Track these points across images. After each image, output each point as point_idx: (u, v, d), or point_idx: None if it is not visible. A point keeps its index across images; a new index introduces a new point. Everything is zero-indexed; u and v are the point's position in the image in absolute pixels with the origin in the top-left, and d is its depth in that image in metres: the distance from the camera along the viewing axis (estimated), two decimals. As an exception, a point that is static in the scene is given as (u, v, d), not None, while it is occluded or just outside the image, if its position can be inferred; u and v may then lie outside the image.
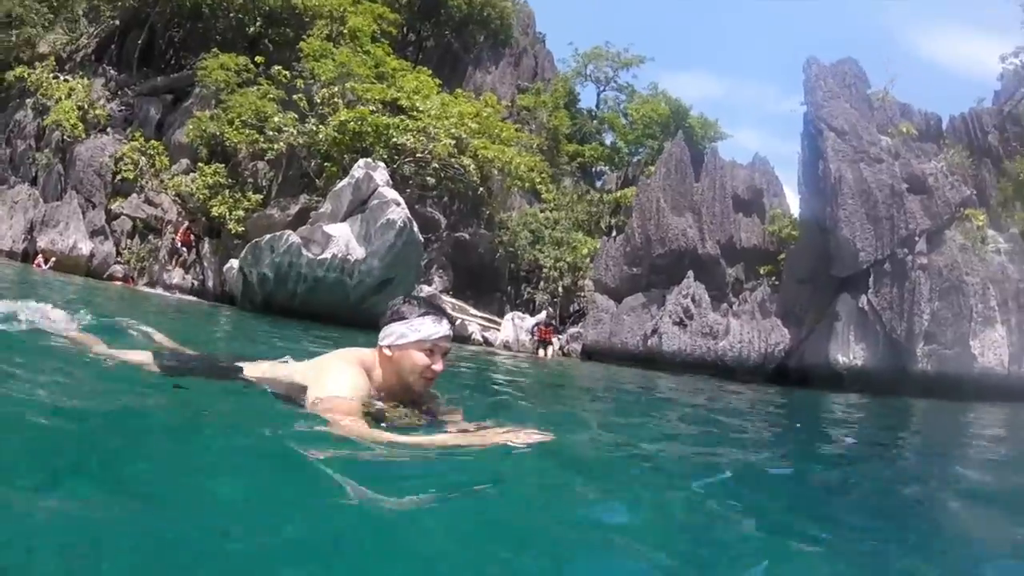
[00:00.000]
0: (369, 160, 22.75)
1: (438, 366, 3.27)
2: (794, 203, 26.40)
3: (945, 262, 21.02)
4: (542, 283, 29.14)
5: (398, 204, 20.43)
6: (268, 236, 22.07)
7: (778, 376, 22.19)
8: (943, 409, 15.08)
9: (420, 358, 3.22)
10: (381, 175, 22.06)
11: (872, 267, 20.94)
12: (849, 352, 20.72)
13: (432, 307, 3.32)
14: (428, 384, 3.34)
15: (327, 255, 20.90)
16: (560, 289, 29.02)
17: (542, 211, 30.56)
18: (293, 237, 21.39)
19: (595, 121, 40.53)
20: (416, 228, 20.95)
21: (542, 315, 25.65)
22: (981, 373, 20.35)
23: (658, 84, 38.29)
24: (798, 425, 9.40)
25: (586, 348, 25.02)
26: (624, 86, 42.13)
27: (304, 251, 21.11)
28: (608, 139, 39.90)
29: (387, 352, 3.25)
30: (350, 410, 2.94)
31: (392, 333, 3.23)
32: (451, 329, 3.33)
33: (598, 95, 43.61)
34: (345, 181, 22.05)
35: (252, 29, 31.84)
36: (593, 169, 38.15)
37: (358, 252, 20.80)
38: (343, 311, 21.08)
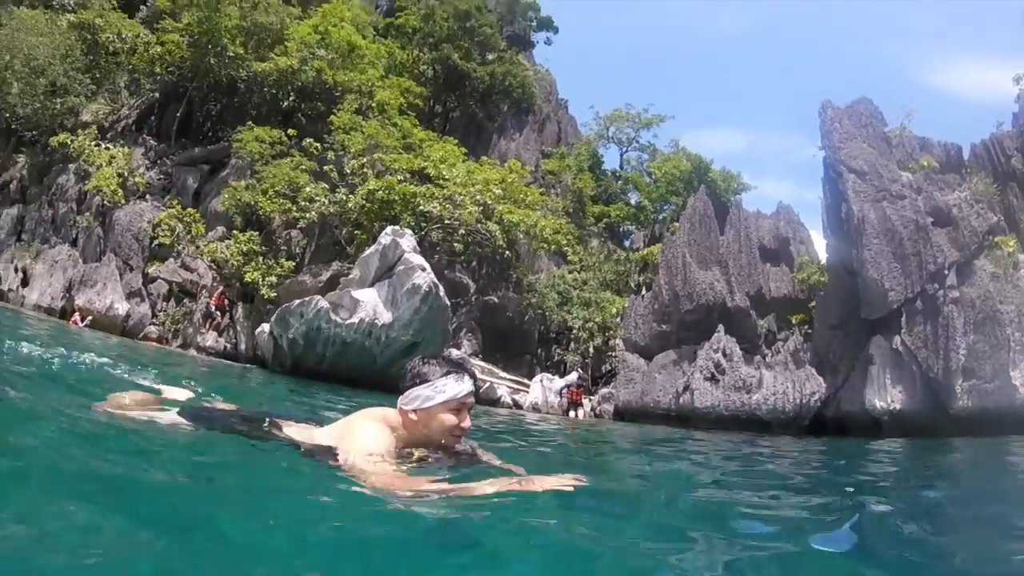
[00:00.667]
0: (396, 227, 23.25)
1: (467, 423, 3.29)
2: (821, 249, 26.21)
3: (977, 293, 20.41)
4: (572, 344, 29.06)
5: (424, 269, 20.75)
6: (298, 301, 22.54)
7: (815, 427, 21.68)
8: (984, 445, 14.54)
9: (448, 419, 3.23)
10: (408, 242, 22.48)
11: (903, 306, 20.55)
12: (886, 396, 20.16)
13: (453, 365, 3.32)
14: (458, 440, 3.36)
15: (355, 319, 21.22)
16: (591, 350, 28.89)
17: (570, 272, 30.72)
18: (322, 302, 21.80)
19: (619, 182, 41.04)
20: (442, 292, 21.20)
21: (572, 376, 25.49)
22: (1022, 405, 19.48)
23: (679, 141, 38.77)
24: (839, 472, 9.12)
25: (618, 408, 24.76)
26: (646, 146, 42.82)
27: (332, 315, 21.47)
28: (633, 198, 40.31)
29: (412, 416, 3.24)
30: (380, 463, 2.95)
31: (417, 397, 3.22)
32: (474, 384, 3.36)
33: (621, 156, 44.32)
34: (373, 248, 22.54)
35: (286, 104, 33.25)
36: (620, 229, 38.35)
37: (385, 317, 21.08)
38: (370, 375, 21.28)
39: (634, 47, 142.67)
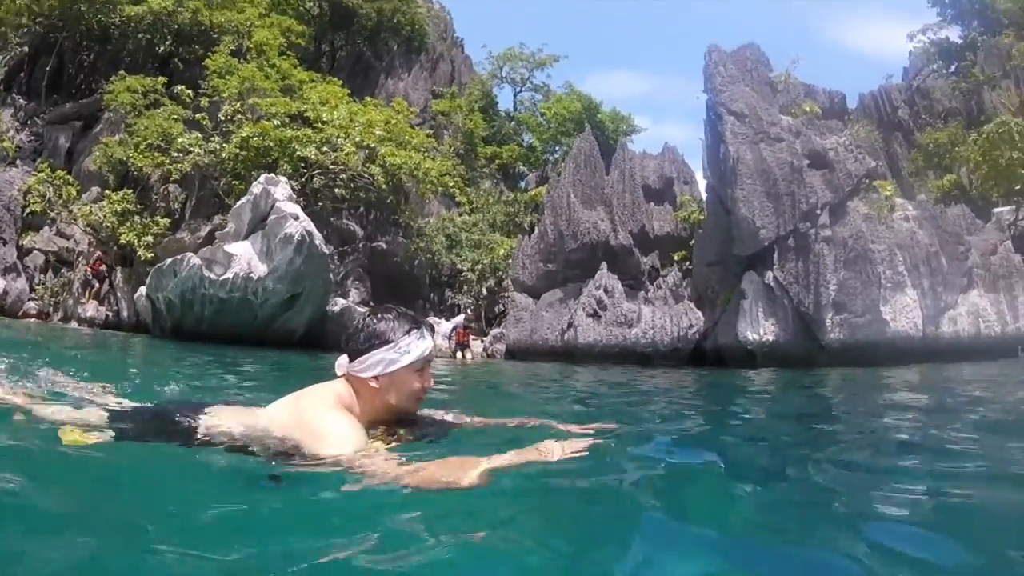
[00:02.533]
0: (270, 175, 22.41)
1: (430, 382, 3.02)
2: (704, 189, 26.73)
3: (849, 232, 21.34)
4: (464, 287, 28.98)
5: (296, 218, 20.11)
6: (170, 260, 21.65)
7: (696, 359, 22.40)
8: (845, 377, 15.25)
9: (414, 380, 2.94)
10: (282, 190, 21.71)
11: (776, 243, 21.23)
12: (759, 329, 20.94)
13: (412, 320, 2.98)
14: (419, 404, 3.08)
15: (229, 275, 20.51)
16: (483, 292, 28.88)
17: (460, 215, 30.43)
18: (194, 259, 20.97)
19: (512, 123, 40.60)
20: (319, 240, 20.64)
21: (459, 318, 25.45)
22: (895, 338, 20.72)
23: (572, 83, 38.53)
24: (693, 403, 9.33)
25: (509, 348, 24.91)
26: (540, 86, 42.40)
27: (206, 272, 20.70)
28: (527, 140, 39.97)
29: (373, 384, 2.89)
30: (375, 460, 2.49)
31: (379, 361, 2.87)
32: (432, 337, 3.03)
33: (515, 97, 43.84)
34: (245, 199, 21.72)
35: (162, 49, 31.32)
36: (513, 171, 38.11)
37: (260, 270, 20.43)
38: (253, 331, 20.78)
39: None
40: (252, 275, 20.36)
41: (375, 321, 2.94)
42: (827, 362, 20.05)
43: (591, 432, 3.00)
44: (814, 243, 20.94)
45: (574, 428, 3.15)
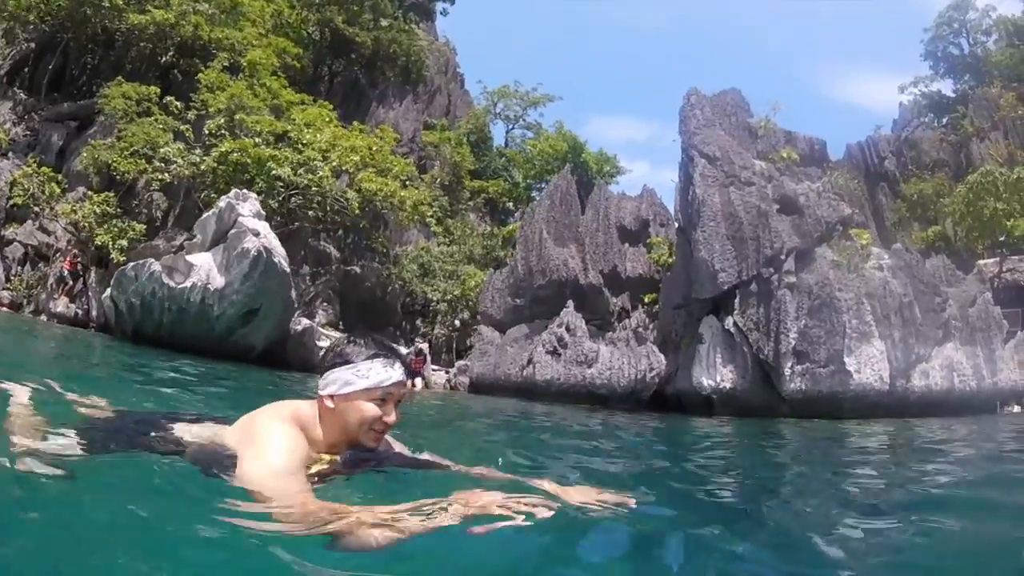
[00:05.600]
0: (240, 191, 22.40)
1: (391, 417, 2.79)
2: (681, 233, 26.66)
3: (815, 280, 21.05)
4: (439, 317, 28.81)
5: (257, 235, 20.03)
6: (132, 264, 21.65)
7: (657, 403, 22.07)
8: (803, 431, 14.96)
9: (369, 409, 2.74)
10: (249, 206, 21.67)
11: (737, 288, 21.05)
12: (716, 375, 20.67)
13: (383, 348, 2.84)
14: (379, 438, 2.85)
15: (188, 284, 20.42)
16: (457, 323, 28.71)
17: (438, 246, 30.40)
18: (155, 265, 20.91)
19: (502, 159, 40.80)
20: (278, 258, 20.50)
21: (421, 345, 25.22)
22: (859, 390, 20.23)
23: (563, 123, 38.75)
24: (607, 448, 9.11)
25: (473, 381, 24.66)
26: (532, 125, 42.69)
27: (166, 279, 20.62)
28: (515, 177, 40.19)
29: (329, 404, 2.75)
30: (288, 485, 2.36)
31: (335, 380, 2.75)
32: (404, 374, 2.84)
33: (506, 133, 44.14)
34: (211, 211, 21.73)
35: (164, 59, 31.78)
36: (500, 206, 38.16)
37: (218, 282, 20.33)
38: (210, 342, 20.57)
39: (548, 27, 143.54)
40: (210, 286, 20.26)
41: (345, 343, 2.86)
42: (788, 413, 19.71)
43: (596, 503, 2.64)
44: (777, 289, 20.74)
45: (573, 493, 2.69)
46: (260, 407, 2.87)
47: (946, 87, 41.47)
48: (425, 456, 3.19)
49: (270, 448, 2.52)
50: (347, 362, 2.74)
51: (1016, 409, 23.28)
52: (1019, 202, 29.00)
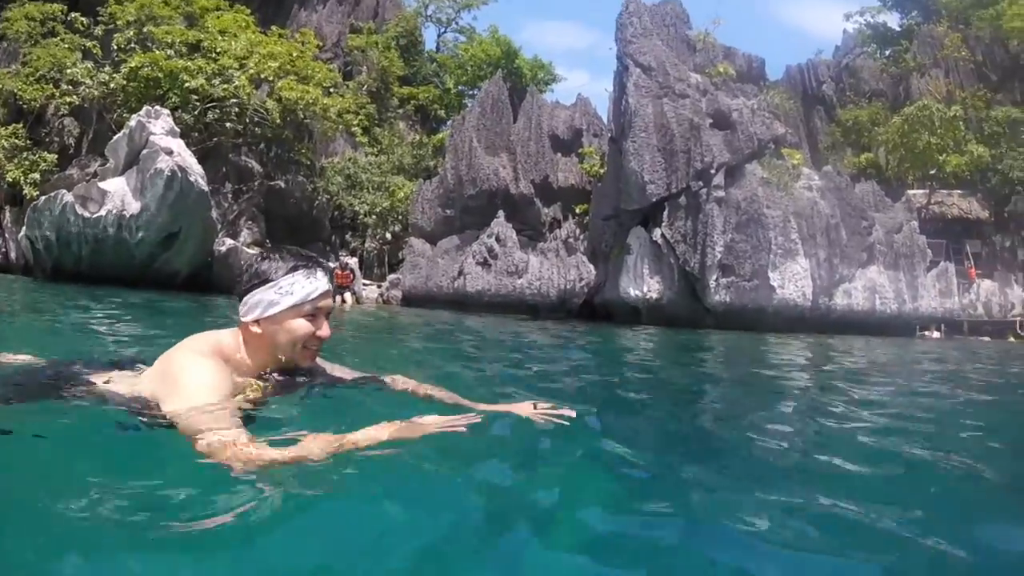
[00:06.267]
0: (152, 108, 21.25)
1: (324, 331, 2.56)
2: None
3: (744, 195, 21.10)
4: (369, 230, 28.32)
5: (170, 153, 19.12)
6: (44, 197, 20.68)
7: (586, 313, 22.33)
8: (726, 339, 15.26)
9: (300, 327, 2.50)
10: (162, 124, 20.58)
11: (667, 200, 21.06)
12: (643, 286, 20.89)
13: (301, 258, 2.57)
14: (314, 356, 2.64)
15: (103, 212, 19.58)
16: (389, 236, 28.30)
17: (366, 156, 29.57)
18: (67, 196, 19.94)
19: (433, 64, 39.42)
20: (194, 177, 19.67)
21: (345, 260, 24.73)
22: (781, 305, 20.65)
23: (497, 27, 37.30)
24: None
25: (404, 294, 24.57)
26: (465, 28, 41.19)
27: (80, 210, 19.72)
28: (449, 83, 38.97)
29: (255, 329, 2.50)
30: (215, 416, 2.17)
31: (258, 303, 2.48)
32: (330, 280, 2.58)
33: (438, 37, 42.56)
34: (120, 133, 20.64)
35: None
36: (432, 114, 37.08)
37: (134, 207, 19.51)
38: (132, 272, 20.02)
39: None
40: (125, 212, 19.42)
41: (260, 260, 2.56)
42: (712, 324, 20.10)
43: (553, 414, 2.74)
44: (705, 203, 20.78)
45: (523, 408, 2.82)
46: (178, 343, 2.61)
47: (892, 20, 41.23)
48: (358, 373, 3.01)
49: (191, 384, 2.31)
50: (266, 280, 2.50)
51: (936, 335, 24.30)
52: (952, 139, 29.51)
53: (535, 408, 2.76)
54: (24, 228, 21.07)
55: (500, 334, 12.80)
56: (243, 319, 2.54)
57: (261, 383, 2.56)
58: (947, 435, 4.37)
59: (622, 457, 2.96)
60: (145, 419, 2.33)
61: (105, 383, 2.65)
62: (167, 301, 14.41)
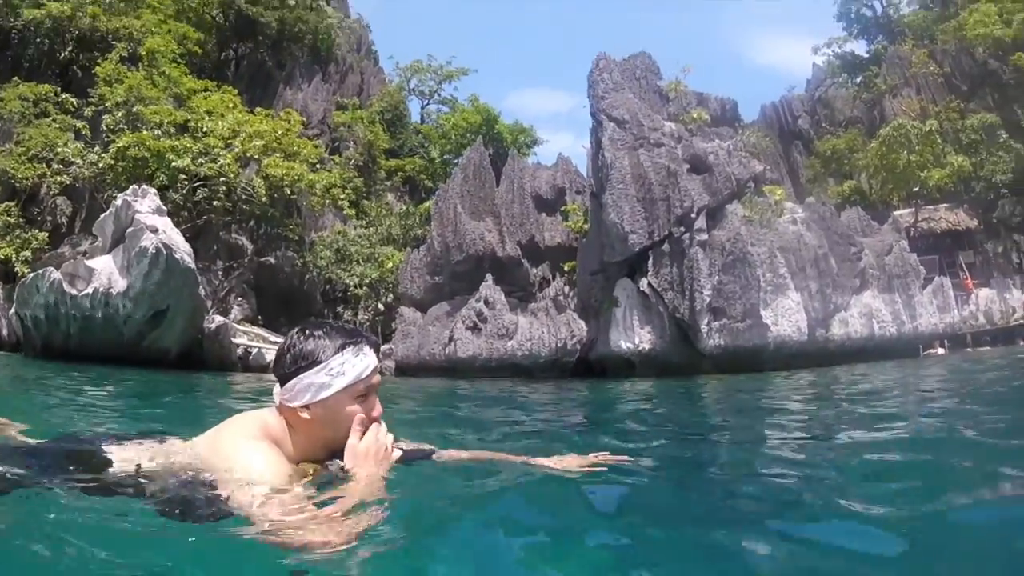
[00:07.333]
0: (139, 187, 21.54)
1: (377, 410, 2.41)
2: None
3: (727, 236, 21.15)
4: (361, 302, 28.32)
5: (155, 231, 19.27)
6: (33, 274, 20.77)
7: (580, 370, 22.11)
8: (721, 384, 15.09)
9: (353, 408, 2.35)
10: (148, 202, 20.83)
11: (651, 250, 21.12)
12: (633, 337, 20.79)
13: (346, 333, 2.41)
14: None
15: (90, 290, 19.65)
16: (381, 307, 28.26)
17: (355, 229, 29.81)
18: (55, 273, 20.03)
19: (418, 135, 40.13)
20: (180, 255, 19.77)
21: None
22: (777, 342, 20.50)
23: (477, 96, 38.18)
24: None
25: (398, 364, 24.36)
26: (448, 99, 42.11)
27: (67, 287, 19.79)
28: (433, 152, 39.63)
29: (304, 415, 2.34)
30: (289, 509, 2.03)
31: (308, 388, 2.31)
32: (378, 354, 2.46)
33: (422, 109, 43.50)
34: (108, 211, 20.89)
35: (63, 55, 30.51)
36: (420, 185, 37.56)
37: (120, 285, 19.57)
38: (121, 350, 19.94)
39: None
40: (112, 290, 19.48)
41: (302, 339, 2.37)
42: (710, 369, 19.89)
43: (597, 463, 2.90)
44: (689, 247, 20.85)
45: (571, 461, 2.89)
46: (218, 425, 2.46)
47: (859, 48, 42.49)
48: (412, 445, 2.82)
49: (253, 473, 2.15)
50: (315, 363, 2.32)
51: (940, 351, 24.04)
52: (932, 153, 29.85)
53: (593, 459, 2.91)
54: (14, 305, 21.12)
55: (474, 406, 12.60)
56: (289, 404, 2.35)
57: (315, 467, 2.40)
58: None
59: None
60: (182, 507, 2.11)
61: (132, 462, 2.39)
62: (166, 378, 14.34)
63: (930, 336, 24.06)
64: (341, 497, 2.11)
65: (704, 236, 21.11)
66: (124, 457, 2.39)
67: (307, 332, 2.39)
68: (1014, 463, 3.48)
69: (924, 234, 30.48)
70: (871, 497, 3.06)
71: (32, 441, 2.84)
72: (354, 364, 2.34)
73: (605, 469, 2.80)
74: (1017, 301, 28.14)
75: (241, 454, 2.24)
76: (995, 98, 33.56)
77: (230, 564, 1.96)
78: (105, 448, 2.45)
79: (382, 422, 2.45)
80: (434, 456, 2.84)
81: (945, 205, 31.65)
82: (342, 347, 2.34)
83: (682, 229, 21.10)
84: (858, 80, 40.18)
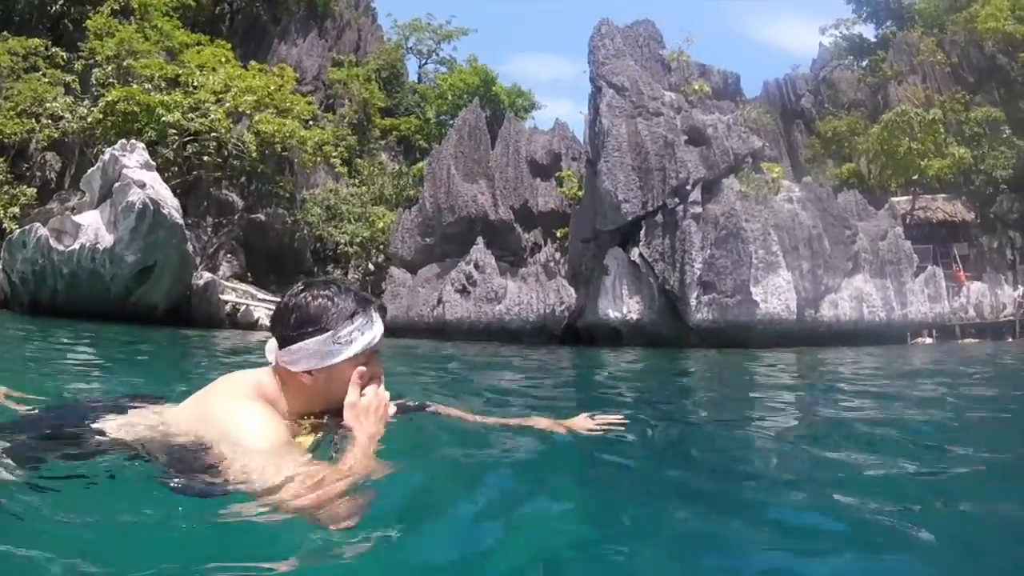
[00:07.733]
0: (126, 142, 21.28)
1: (377, 369, 2.31)
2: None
3: (722, 210, 20.92)
4: (352, 261, 28.21)
5: (142, 186, 19.08)
6: (19, 230, 20.61)
7: (569, 337, 22.05)
8: (706, 359, 15.06)
9: (356, 372, 2.22)
10: (136, 157, 20.61)
11: (644, 219, 20.94)
12: (622, 307, 20.71)
13: (355, 299, 2.25)
14: None
15: (76, 246, 19.54)
16: (371, 266, 28.16)
17: (347, 187, 29.58)
18: (41, 229, 19.91)
19: (415, 95, 39.66)
20: (167, 209, 19.59)
21: None
22: (765, 319, 20.34)
23: (475, 56, 37.67)
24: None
25: (386, 324, 24.29)
26: (446, 59, 41.52)
27: (54, 243, 19.65)
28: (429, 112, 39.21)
29: (305, 380, 2.22)
30: (293, 471, 1.90)
31: (313, 354, 2.19)
32: (384, 319, 2.33)
33: (419, 69, 42.94)
34: (95, 166, 20.67)
35: (54, 8, 30.07)
36: (415, 145, 37.21)
37: (106, 240, 19.43)
38: (110, 307, 19.87)
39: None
40: (99, 246, 19.34)
41: (308, 299, 2.22)
42: (697, 342, 19.80)
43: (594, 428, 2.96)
44: (682, 220, 20.65)
45: (579, 423, 2.97)
46: (207, 385, 2.33)
47: (868, 31, 41.89)
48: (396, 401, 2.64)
49: (247, 434, 2.03)
50: (322, 328, 2.18)
51: (928, 340, 24.00)
52: (933, 142, 29.62)
53: (592, 419, 2.95)
54: (1, 262, 20.98)
55: (478, 362, 12.58)
56: (289, 367, 2.23)
57: (314, 421, 2.30)
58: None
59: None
60: (182, 479, 1.98)
61: (124, 430, 2.28)
62: (155, 334, 14.23)
63: (919, 324, 23.99)
64: (344, 464, 1.99)
65: (698, 209, 20.89)
66: (116, 433, 2.26)
67: (315, 292, 2.24)
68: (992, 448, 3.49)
69: (920, 223, 30.37)
70: (847, 477, 3.10)
71: (21, 409, 2.70)
72: (363, 335, 2.22)
73: (610, 431, 2.90)
74: (1008, 297, 28.16)
75: (235, 416, 2.11)
76: (1001, 93, 33.27)
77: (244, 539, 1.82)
78: (96, 424, 2.31)
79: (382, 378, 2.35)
80: (428, 408, 2.80)
81: (943, 196, 31.53)
82: (352, 315, 2.21)
83: (676, 201, 20.88)
84: (864, 63, 39.70)
